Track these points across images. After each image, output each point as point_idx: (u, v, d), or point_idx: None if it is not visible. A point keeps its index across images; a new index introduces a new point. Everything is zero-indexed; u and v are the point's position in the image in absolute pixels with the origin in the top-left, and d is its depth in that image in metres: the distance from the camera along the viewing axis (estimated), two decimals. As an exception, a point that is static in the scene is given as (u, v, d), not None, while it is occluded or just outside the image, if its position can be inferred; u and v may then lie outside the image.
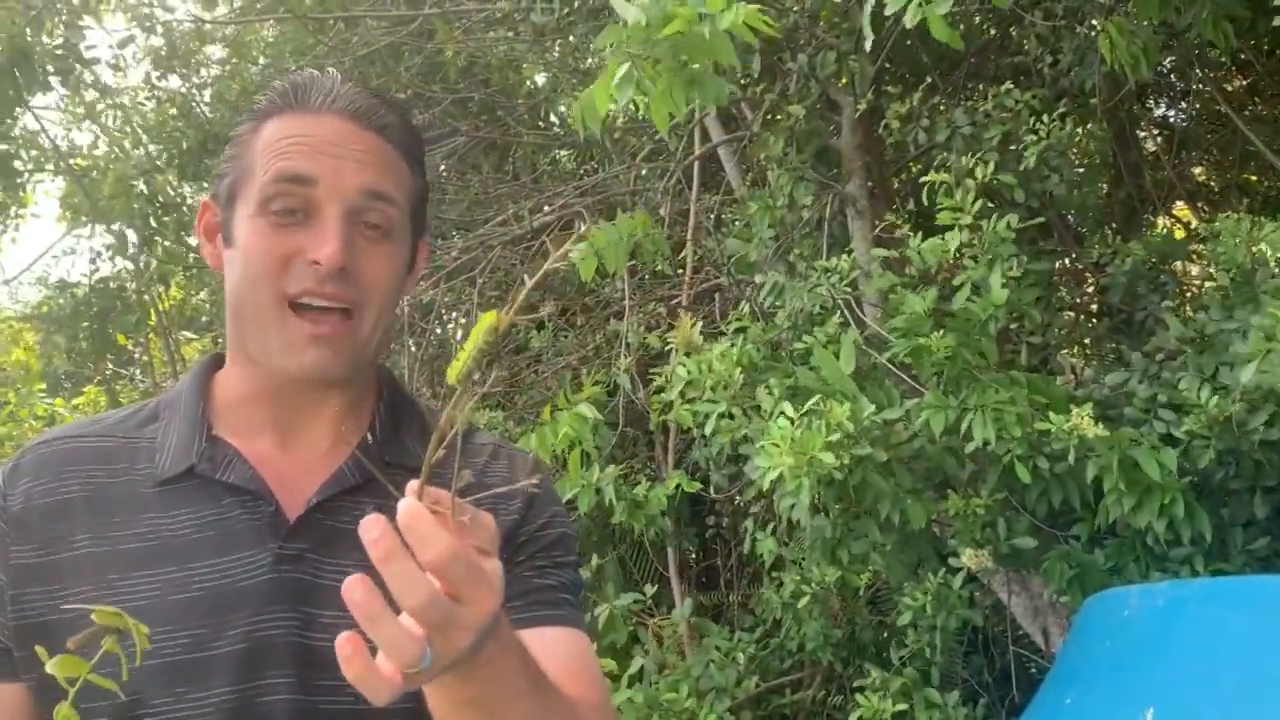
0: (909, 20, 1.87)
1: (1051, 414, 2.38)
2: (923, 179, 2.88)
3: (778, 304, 3.35)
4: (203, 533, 1.00)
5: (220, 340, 5.06)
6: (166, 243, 5.14)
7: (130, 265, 5.54)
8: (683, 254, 3.98)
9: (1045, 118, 3.11)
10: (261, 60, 5.11)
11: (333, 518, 1.03)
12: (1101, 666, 2.24)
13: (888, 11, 1.92)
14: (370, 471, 1.05)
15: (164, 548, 0.99)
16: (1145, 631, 2.19)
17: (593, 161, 5.55)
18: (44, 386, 6.06)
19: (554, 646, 1.05)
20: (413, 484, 0.71)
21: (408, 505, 0.69)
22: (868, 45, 2.24)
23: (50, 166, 5.40)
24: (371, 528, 0.69)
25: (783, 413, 2.47)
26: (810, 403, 2.46)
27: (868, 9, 1.95)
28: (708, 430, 2.91)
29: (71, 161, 5.23)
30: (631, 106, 5.04)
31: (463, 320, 4.83)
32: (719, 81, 1.90)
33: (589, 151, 5.32)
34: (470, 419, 1.25)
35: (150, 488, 1.02)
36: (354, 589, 0.69)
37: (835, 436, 2.36)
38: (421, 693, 0.76)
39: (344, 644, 0.70)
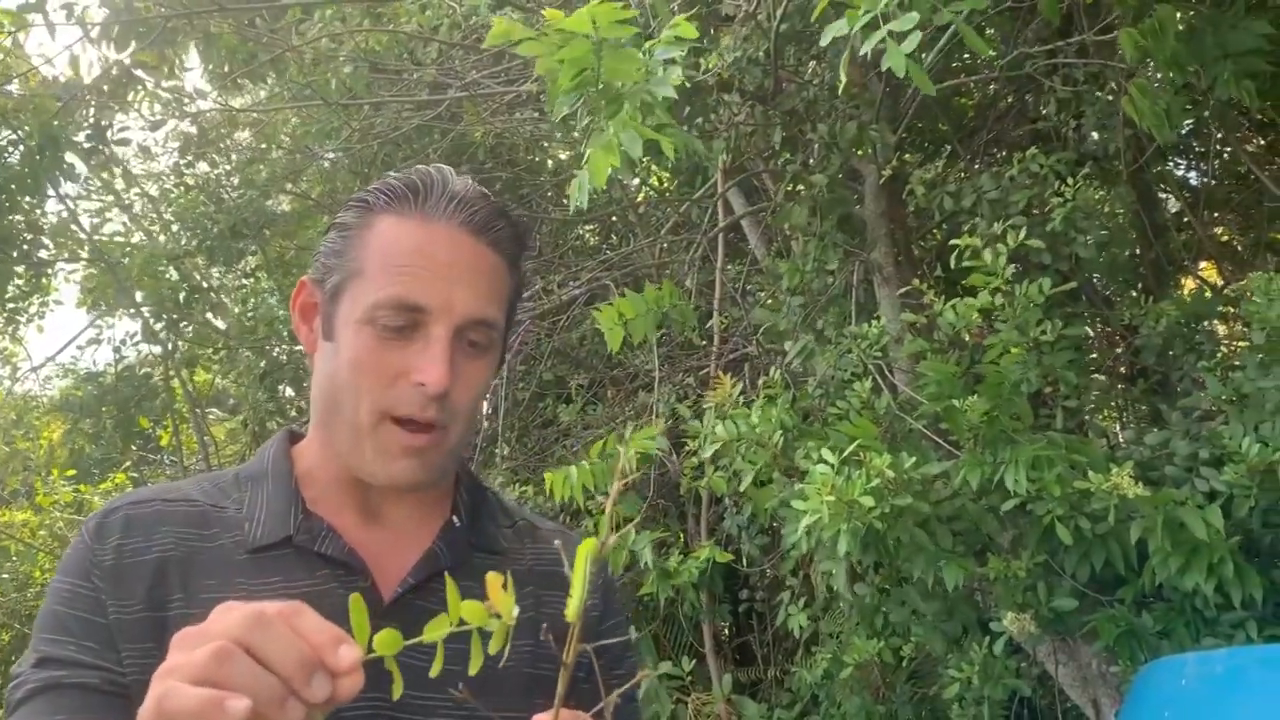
0: (886, 64, 1.89)
1: (1091, 473, 2.34)
2: (951, 243, 2.88)
3: (807, 369, 3.34)
4: None
5: (248, 422, 5.07)
6: (193, 327, 5.19)
7: (156, 350, 5.60)
8: (710, 324, 3.99)
9: (1070, 180, 3.12)
10: (288, 142, 5.22)
11: (424, 599, 1.03)
12: (1161, 736, 2.16)
13: (861, 50, 1.95)
14: (460, 555, 1.08)
15: None
16: (1204, 700, 2.12)
17: (614, 237, 5.61)
18: (73, 472, 6.08)
19: None
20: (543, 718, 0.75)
21: None
22: (840, 87, 2.28)
23: (84, 253, 5.49)
24: None
25: (823, 459, 2.44)
26: (849, 449, 2.43)
27: (845, 54, 1.98)
28: (743, 486, 2.88)
29: (99, 246, 5.31)
30: (655, 181, 5.11)
31: (488, 395, 4.82)
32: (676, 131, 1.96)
33: (612, 227, 5.38)
34: (505, 496, 1.27)
35: (242, 555, 1.01)
36: None
37: (875, 483, 2.33)
38: None
39: None
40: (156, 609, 0.96)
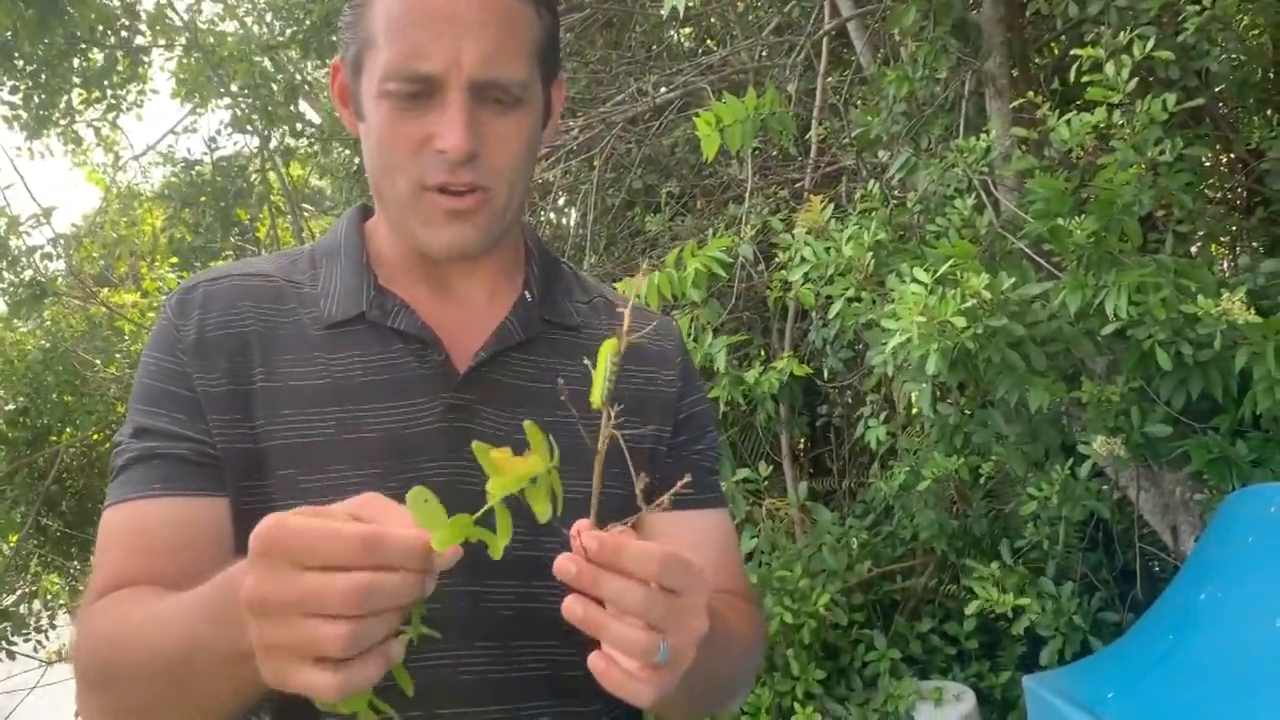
0: None
1: (1200, 297, 2.25)
2: (1072, 53, 2.71)
3: (907, 184, 3.24)
4: (374, 376, 1.00)
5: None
6: (287, 119, 5.19)
7: (252, 140, 5.64)
8: (807, 135, 3.86)
9: (1209, -14, 2.89)
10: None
11: (498, 372, 1.04)
12: (1243, 563, 2.16)
13: None
14: (532, 329, 1.07)
15: (335, 387, 0.99)
16: (1293, 529, 2.11)
17: (709, 40, 5.40)
18: (176, 260, 6.26)
19: (708, 533, 1.10)
20: (582, 522, 0.73)
21: (603, 538, 0.71)
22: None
23: (180, 40, 5.48)
24: (567, 567, 0.71)
25: (915, 279, 2.39)
26: (944, 267, 2.38)
27: None
28: (831, 313, 2.85)
29: (194, 32, 5.28)
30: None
31: (578, 199, 4.80)
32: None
33: (710, 28, 5.17)
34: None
35: (318, 330, 1.02)
36: (572, 609, 0.72)
37: (970, 304, 2.28)
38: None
39: (595, 660, 0.72)
40: (239, 382, 0.99)
